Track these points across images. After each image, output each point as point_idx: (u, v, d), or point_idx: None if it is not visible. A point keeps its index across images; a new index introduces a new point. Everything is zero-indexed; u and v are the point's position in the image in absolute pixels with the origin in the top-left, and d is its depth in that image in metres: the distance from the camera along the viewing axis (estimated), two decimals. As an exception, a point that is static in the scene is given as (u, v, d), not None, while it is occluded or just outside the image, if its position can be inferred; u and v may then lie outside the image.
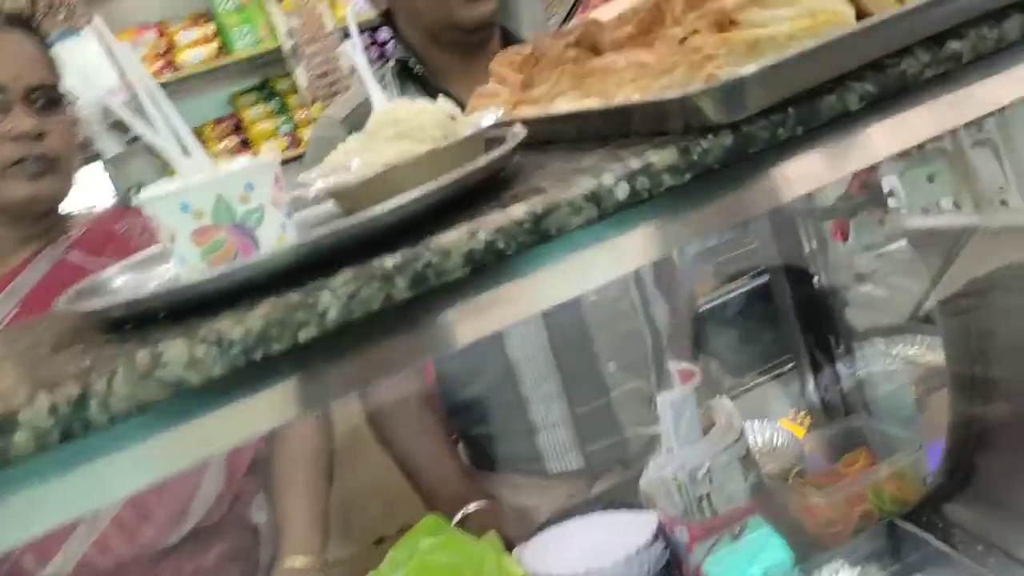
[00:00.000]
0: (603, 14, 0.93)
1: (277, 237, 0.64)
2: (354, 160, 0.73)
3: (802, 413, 1.57)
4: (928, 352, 1.37)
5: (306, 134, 4.41)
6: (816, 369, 1.49)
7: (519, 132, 0.76)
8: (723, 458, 1.22)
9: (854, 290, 1.36)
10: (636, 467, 1.61)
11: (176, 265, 0.65)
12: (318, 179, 0.73)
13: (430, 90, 1.55)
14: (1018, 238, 0.91)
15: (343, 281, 0.59)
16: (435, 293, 0.61)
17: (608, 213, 0.64)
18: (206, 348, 0.55)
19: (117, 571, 1.31)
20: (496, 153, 0.70)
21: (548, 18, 4.30)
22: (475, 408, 1.63)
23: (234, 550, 1.44)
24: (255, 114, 4.43)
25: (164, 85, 4.24)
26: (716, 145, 0.66)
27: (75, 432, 0.53)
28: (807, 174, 0.70)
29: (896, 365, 1.43)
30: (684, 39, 0.65)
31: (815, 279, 1.40)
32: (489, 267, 0.62)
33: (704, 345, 1.73)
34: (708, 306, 2.00)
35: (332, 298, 0.58)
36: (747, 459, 1.25)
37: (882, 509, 1.30)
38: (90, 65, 3.92)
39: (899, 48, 0.70)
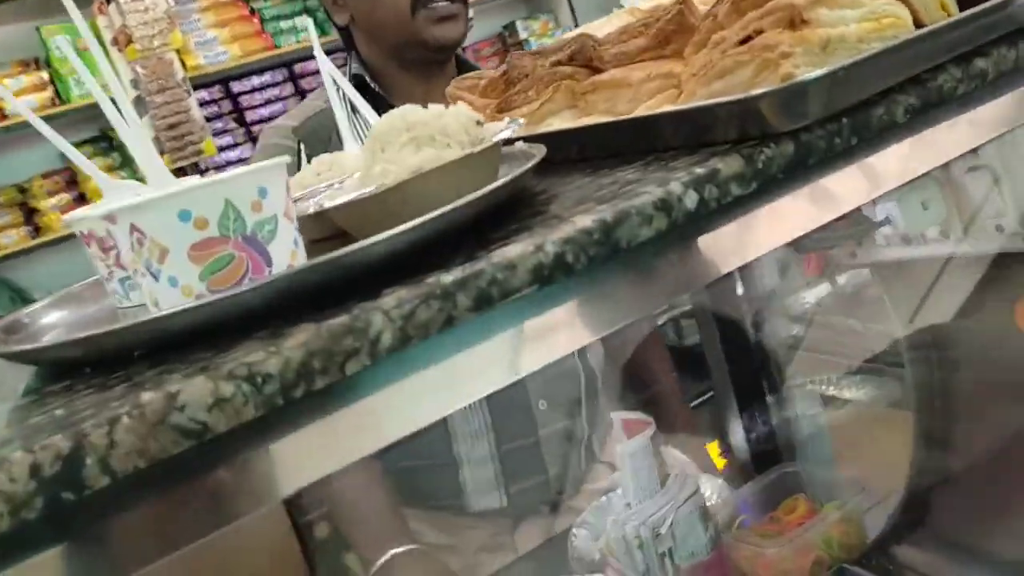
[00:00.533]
0: (596, 30, 0.88)
1: (290, 254, 0.53)
2: (353, 173, 0.62)
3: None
4: (872, 391, 1.38)
5: (151, 190, 4.10)
6: (748, 416, 1.46)
7: (538, 147, 0.68)
8: (685, 510, 1.15)
9: (792, 332, 1.35)
10: (561, 513, 1.53)
11: (156, 292, 0.51)
12: (315, 197, 0.61)
13: (385, 109, 1.46)
14: (997, 266, 0.91)
15: (396, 301, 0.48)
16: (494, 313, 0.51)
17: (679, 223, 0.57)
18: (235, 386, 0.43)
19: None
20: (530, 164, 0.61)
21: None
22: (399, 440, 1.49)
23: None
24: (93, 167, 4.08)
25: (-12, 134, 3.85)
26: (779, 153, 0.61)
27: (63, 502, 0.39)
28: (855, 189, 0.66)
29: (831, 408, 1.42)
30: (746, 39, 0.59)
31: (748, 324, 1.38)
32: (557, 282, 0.52)
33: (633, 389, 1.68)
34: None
35: (385, 321, 0.47)
36: (706, 512, 1.19)
37: (832, 556, 1.27)
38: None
39: (936, 64, 0.68)
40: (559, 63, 0.83)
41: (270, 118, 4.24)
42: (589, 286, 0.55)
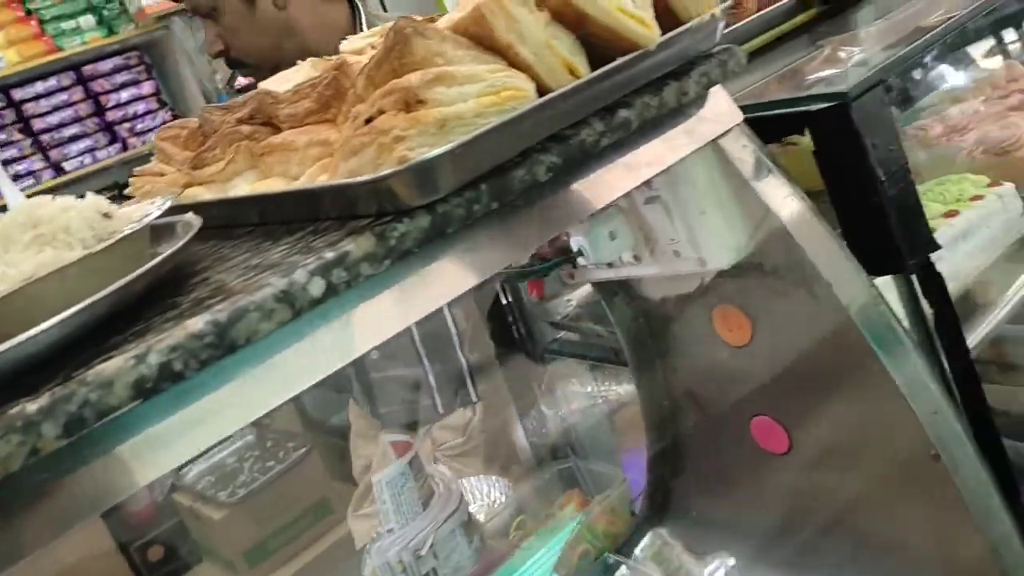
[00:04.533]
0: (277, 84, 0.87)
1: None
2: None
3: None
4: (625, 385, 1.45)
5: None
6: (524, 416, 1.51)
7: (193, 222, 0.67)
8: (446, 528, 1.18)
9: (553, 338, 1.41)
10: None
11: None
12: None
13: None
14: (688, 281, 0.98)
15: (-29, 438, 0.46)
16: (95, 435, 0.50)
17: (304, 311, 0.57)
18: None
19: None
20: (166, 252, 0.60)
21: (213, 72, 4.10)
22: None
23: None
24: None
25: None
26: (414, 228, 0.62)
27: None
28: (506, 247, 0.69)
29: (595, 404, 1.49)
30: (370, 119, 0.61)
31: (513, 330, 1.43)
32: (166, 392, 0.52)
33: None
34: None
35: (-44, 463, 0.45)
36: (470, 524, 1.23)
37: (596, 547, 1.34)
38: None
39: (577, 119, 0.72)
40: (242, 120, 0.82)
41: (60, 126, 3.98)
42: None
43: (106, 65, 3.98)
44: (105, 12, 3.88)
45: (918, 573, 0.92)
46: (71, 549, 2.78)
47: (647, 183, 0.89)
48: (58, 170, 3.92)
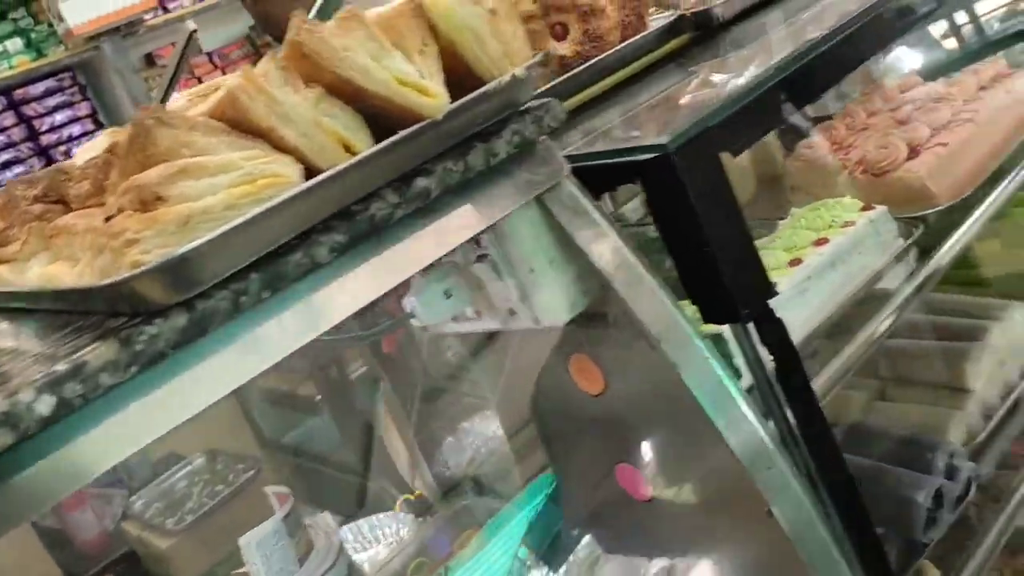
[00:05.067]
0: (83, 155, 0.84)
1: None
2: None
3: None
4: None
5: None
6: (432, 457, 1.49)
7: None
8: (324, 584, 1.16)
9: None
10: None
11: None
12: None
13: None
14: (546, 336, 0.96)
15: None
16: None
17: (33, 434, 0.54)
18: None
19: None
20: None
21: (149, 90, 4.03)
22: None
23: None
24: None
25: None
26: (168, 328, 0.59)
27: None
28: (285, 335, 0.66)
29: (496, 444, 1.47)
30: (109, 218, 0.58)
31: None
32: None
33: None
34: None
35: None
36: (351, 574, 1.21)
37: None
38: None
39: (366, 194, 0.69)
40: (37, 199, 0.79)
41: (-5, 150, 3.91)
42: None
43: (37, 88, 3.91)
44: (33, 35, 3.81)
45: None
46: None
47: (474, 241, 0.86)
48: (-6, 197, 3.85)
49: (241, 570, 1.28)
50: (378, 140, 0.69)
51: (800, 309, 1.06)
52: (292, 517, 1.18)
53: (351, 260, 0.69)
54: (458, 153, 0.75)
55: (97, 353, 0.57)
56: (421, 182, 0.73)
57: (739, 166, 1.50)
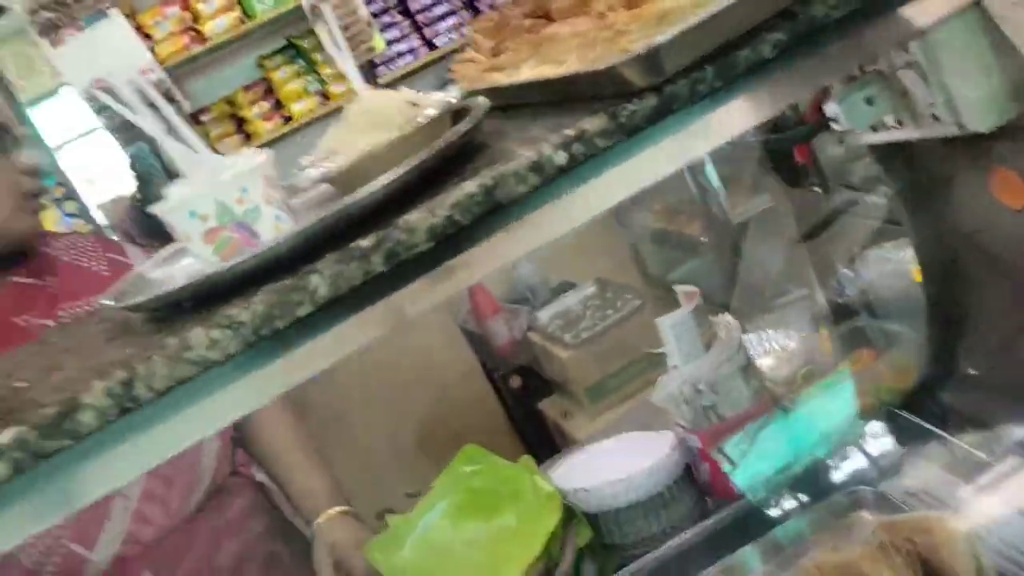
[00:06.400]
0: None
1: (274, 228, 0.76)
2: (337, 151, 0.83)
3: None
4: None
5: (335, 89, 4.50)
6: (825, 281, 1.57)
7: (482, 105, 0.86)
8: (725, 370, 1.32)
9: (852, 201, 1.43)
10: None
11: (196, 260, 0.78)
12: (308, 167, 0.84)
13: None
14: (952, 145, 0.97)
15: (327, 263, 0.70)
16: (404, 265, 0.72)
17: (551, 178, 0.74)
18: (221, 331, 0.68)
19: (160, 541, 1.44)
20: (449, 134, 0.80)
21: None
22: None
23: (251, 504, 1.59)
24: (283, 75, 4.53)
25: (194, 58, 4.36)
26: (642, 107, 0.75)
27: (128, 407, 0.66)
28: (730, 122, 0.79)
29: (896, 267, 1.50)
30: (602, 14, 0.73)
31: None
32: (451, 237, 0.72)
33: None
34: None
35: (320, 279, 0.70)
36: (748, 368, 1.35)
37: (881, 400, 1.39)
38: (121, 45, 4.07)
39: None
40: (525, 15, 0.98)
41: (433, 5, 4.47)
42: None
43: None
44: None
45: None
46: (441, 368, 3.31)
47: (904, 48, 0.91)
48: (431, 47, 4.44)
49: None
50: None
51: None
52: (699, 310, 1.35)
53: (789, 59, 0.79)
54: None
55: (593, 123, 0.75)
56: (856, -17, 0.79)
57: None
